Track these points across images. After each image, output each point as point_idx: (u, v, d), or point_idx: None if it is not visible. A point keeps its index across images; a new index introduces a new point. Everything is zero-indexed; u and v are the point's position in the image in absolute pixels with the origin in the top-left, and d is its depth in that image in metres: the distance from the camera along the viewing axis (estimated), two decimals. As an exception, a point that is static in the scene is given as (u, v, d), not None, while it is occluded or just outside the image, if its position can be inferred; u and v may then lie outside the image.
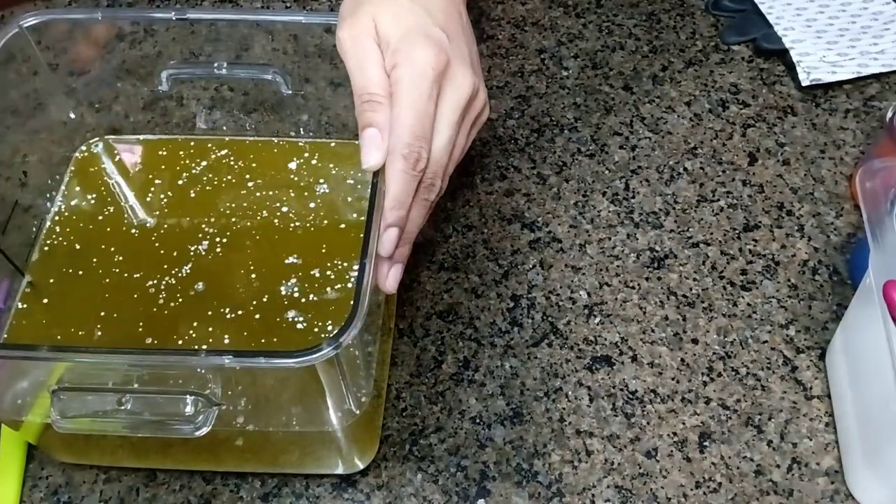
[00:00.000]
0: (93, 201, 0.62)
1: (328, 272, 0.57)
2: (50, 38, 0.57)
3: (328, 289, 0.57)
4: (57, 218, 0.60)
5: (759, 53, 0.79)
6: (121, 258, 0.59)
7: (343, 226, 0.60)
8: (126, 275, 0.58)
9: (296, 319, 0.55)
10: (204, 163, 0.63)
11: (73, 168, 0.63)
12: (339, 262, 0.58)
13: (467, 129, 0.51)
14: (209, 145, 0.64)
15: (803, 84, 0.75)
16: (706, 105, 0.75)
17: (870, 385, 0.53)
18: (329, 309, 0.56)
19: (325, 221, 0.60)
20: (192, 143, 0.64)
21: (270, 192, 0.62)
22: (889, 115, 0.65)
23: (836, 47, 0.76)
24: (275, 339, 0.55)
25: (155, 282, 0.57)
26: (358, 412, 0.49)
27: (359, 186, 0.62)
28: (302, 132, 0.64)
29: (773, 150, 0.72)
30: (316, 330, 0.55)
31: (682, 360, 0.61)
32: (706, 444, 0.57)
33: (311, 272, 0.57)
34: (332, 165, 0.63)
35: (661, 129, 0.74)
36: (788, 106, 0.75)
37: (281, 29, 0.59)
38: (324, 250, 0.58)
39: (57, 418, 0.45)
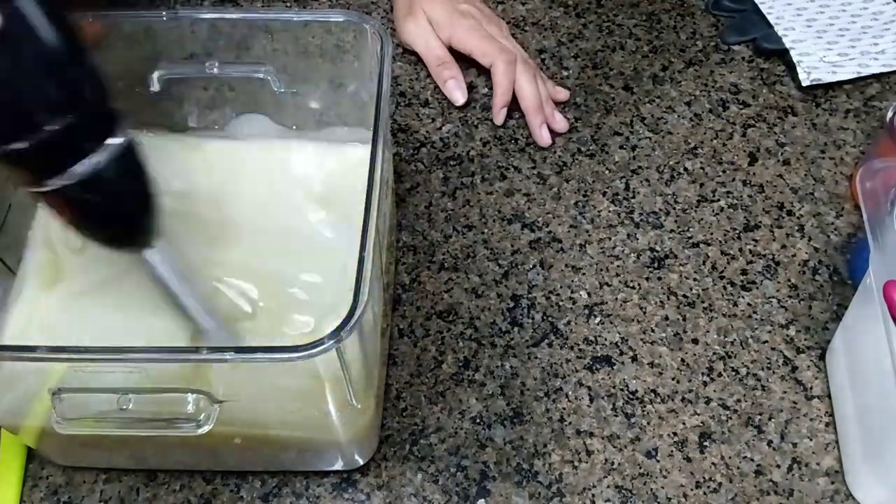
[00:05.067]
0: None
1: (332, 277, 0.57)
2: None
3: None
4: None
5: (759, 53, 0.79)
6: (117, 257, 0.58)
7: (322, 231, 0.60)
8: (124, 273, 0.57)
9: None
10: (201, 162, 0.63)
11: None
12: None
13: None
14: (206, 145, 0.64)
15: (803, 84, 0.75)
16: (706, 105, 0.75)
17: (870, 385, 0.53)
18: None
19: (322, 223, 0.60)
20: (189, 143, 0.64)
21: (266, 192, 0.62)
22: (889, 115, 0.65)
23: (836, 47, 0.76)
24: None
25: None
26: (359, 406, 0.49)
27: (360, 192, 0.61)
28: (299, 131, 0.64)
29: (774, 150, 0.72)
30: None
31: (683, 360, 0.61)
32: (706, 444, 0.57)
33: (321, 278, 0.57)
34: (332, 164, 0.63)
35: (661, 129, 0.74)
36: (788, 106, 0.75)
37: (280, 29, 0.59)
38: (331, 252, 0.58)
39: (58, 420, 0.45)
